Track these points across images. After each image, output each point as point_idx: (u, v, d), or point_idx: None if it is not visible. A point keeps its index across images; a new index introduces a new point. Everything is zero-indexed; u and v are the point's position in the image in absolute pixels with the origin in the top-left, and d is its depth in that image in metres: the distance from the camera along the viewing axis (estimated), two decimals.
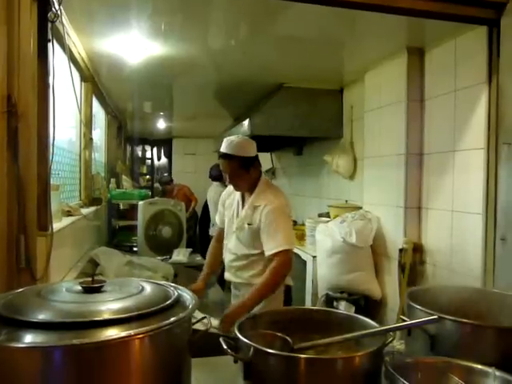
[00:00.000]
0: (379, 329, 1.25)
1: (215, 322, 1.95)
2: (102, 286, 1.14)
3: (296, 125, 3.89)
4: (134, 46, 2.92)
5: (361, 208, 3.40)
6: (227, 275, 2.41)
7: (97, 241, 3.52)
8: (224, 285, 3.58)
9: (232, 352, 1.13)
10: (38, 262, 1.59)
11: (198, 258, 3.76)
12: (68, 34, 2.41)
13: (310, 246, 3.66)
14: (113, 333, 0.92)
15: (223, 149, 2.19)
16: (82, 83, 3.41)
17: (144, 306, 1.04)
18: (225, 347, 1.16)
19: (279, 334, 1.28)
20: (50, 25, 1.84)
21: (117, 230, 4.33)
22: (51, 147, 1.79)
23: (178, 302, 1.15)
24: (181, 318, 1.04)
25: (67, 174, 2.91)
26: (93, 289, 1.12)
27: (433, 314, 1.39)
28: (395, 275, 2.93)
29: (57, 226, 1.96)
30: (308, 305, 3.35)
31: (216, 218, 2.60)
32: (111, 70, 3.50)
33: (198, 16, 2.51)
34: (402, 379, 1.01)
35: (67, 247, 2.31)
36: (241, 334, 1.18)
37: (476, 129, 2.39)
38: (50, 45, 1.83)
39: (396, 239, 2.96)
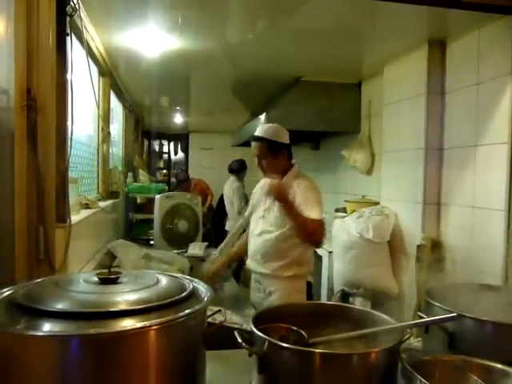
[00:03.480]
0: (396, 325, 1.23)
1: (231, 315, 1.96)
2: (118, 278, 1.14)
3: (313, 119, 3.85)
4: (152, 39, 2.93)
5: (378, 203, 3.36)
6: (251, 264, 2.41)
7: (114, 234, 3.55)
8: (239, 278, 3.60)
9: (246, 345, 1.12)
10: (56, 253, 1.61)
11: (214, 251, 3.77)
12: (86, 29, 2.43)
13: (326, 241, 3.63)
14: (128, 323, 0.92)
15: (256, 132, 2.36)
16: (100, 77, 3.43)
17: (159, 297, 1.04)
18: (239, 340, 1.15)
19: (294, 328, 1.27)
20: (68, 19, 1.86)
21: (134, 224, 4.37)
22: (69, 141, 1.81)
23: (194, 294, 1.15)
24: (196, 310, 1.04)
25: (85, 167, 2.94)
26: (109, 280, 1.13)
27: (451, 312, 1.37)
28: (413, 272, 2.89)
29: (75, 218, 1.98)
30: (324, 300, 3.33)
31: (246, 213, 2.67)
32: (129, 64, 3.52)
33: (215, 9, 2.50)
34: (420, 377, 1.00)
35: (85, 239, 2.34)
36: (255, 327, 1.18)
37: (500, 123, 2.33)
38: (68, 39, 1.85)
39: (414, 235, 2.92)
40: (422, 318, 1.47)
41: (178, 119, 6.93)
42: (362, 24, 2.67)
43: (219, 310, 1.26)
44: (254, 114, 5.35)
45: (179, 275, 1.36)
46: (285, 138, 2.34)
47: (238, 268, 4.44)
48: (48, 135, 1.61)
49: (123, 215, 4.25)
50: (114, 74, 3.69)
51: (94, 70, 3.14)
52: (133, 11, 2.51)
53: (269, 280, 2.32)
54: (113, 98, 3.97)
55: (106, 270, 1.18)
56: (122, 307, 0.97)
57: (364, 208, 3.30)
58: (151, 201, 4.22)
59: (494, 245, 2.37)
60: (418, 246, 2.81)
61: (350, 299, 3.09)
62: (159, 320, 0.94)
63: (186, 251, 3.53)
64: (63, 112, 1.81)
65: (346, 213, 3.62)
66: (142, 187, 4.43)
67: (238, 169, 5.96)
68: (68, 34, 1.84)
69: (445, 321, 1.25)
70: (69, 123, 1.83)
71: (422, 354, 1.31)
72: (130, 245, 2.96)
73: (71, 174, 2.25)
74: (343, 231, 3.14)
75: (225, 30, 2.81)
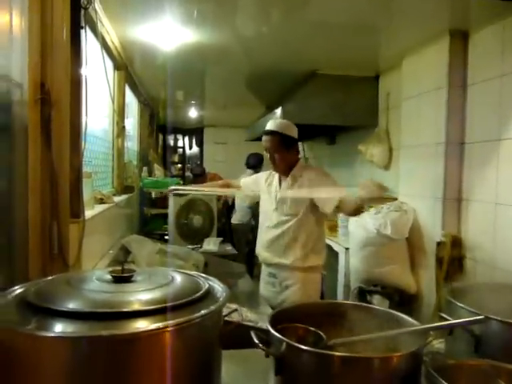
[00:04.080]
0: (420, 327, 1.18)
1: (246, 313, 1.94)
2: (131, 276, 1.12)
3: (329, 113, 3.79)
4: (167, 33, 2.90)
5: (396, 199, 3.29)
6: (267, 256, 2.43)
7: (128, 228, 3.55)
8: (253, 271, 3.56)
9: (263, 346, 1.09)
10: (70, 249, 1.60)
11: (229, 247, 3.75)
12: (101, 22, 2.41)
13: (342, 237, 3.58)
14: (142, 324, 0.89)
15: (267, 126, 2.43)
16: (115, 71, 3.42)
17: (174, 297, 1.01)
18: (256, 341, 1.12)
19: (312, 329, 1.24)
20: (82, 11, 1.83)
21: (148, 218, 4.37)
22: (83, 135, 1.79)
23: (209, 293, 1.12)
24: (212, 311, 1.01)
25: (100, 161, 2.93)
26: (122, 278, 1.10)
27: (477, 313, 1.32)
28: (432, 269, 2.82)
29: (89, 213, 1.97)
30: (340, 297, 3.28)
31: (247, 179, 2.84)
32: (144, 58, 3.49)
33: (230, 2, 2.46)
34: (445, 382, 0.95)
35: (99, 234, 2.33)
36: (273, 327, 1.15)
37: None
38: (82, 32, 1.82)
39: (433, 232, 2.84)
40: (445, 319, 1.42)
41: (193, 113, 6.92)
42: (379, 15, 2.59)
43: (235, 310, 1.22)
44: (269, 108, 5.30)
45: (194, 273, 1.33)
46: (295, 133, 2.44)
47: (251, 263, 4.43)
48: (62, 130, 1.58)
49: (138, 210, 4.25)
50: (129, 67, 3.67)
51: (109, 63, 3.12)
52: (148, 4, 2.48)
53: (286, 272, 2.33)
54: (128, 92, 3.95)
55: (119, 268, 1.15)
56: (136, 307, 0.94)
57: (381, 204, 3.23)
58: (166, 196, 4.21)
59: None
60: (438, 243, 2.73)
61: (368, 297, 3.04)
62: (174, 321, 0.91)
63: (201, 246, 3.51)
64: (77, 106, 1.78)
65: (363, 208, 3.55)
66: (156, 182, 4.42)
67: (257, 164, 5.95)
68: (83, 27, 1.82)
69: (471, 323, 1.20)
70: (83, 117, 1.81)
71: (446, 358, 1.26)
72: (144, 240, 2.95)
73: (86, 169, 2.24)
74: (360, 227, 3.08)
75: (240, 22, 2.76)
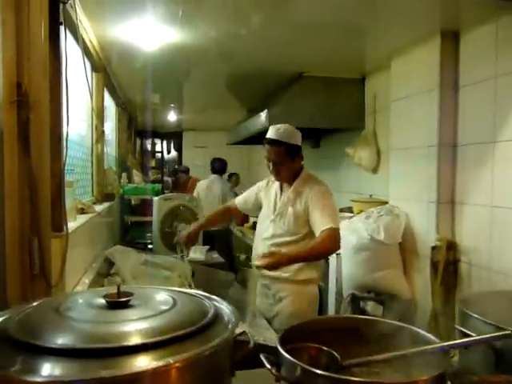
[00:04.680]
0: (441, 344, 1.10)
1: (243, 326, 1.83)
2: (128, 301, 0.99)
3: (316, 116, 3.72)
4: (147, 32, 2.76)
5: (387, 203, 3.23)
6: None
7: (110, 238, 3.38)
8: (245, 283, 3.43)
9: (276, 371, 0.99)
10: (52, 266, 1.45)
11: (215, 255, 3.62)
12: (80, 20, 2.26)
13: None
14: (146, 361, 0.77)
15: (270, 135, 2.20)
16: (93, 73, 3.25)
17: (179, 325, 0.89)
18: (268, 366, 1.03)
19: (326, 349, 1.14)
20: (61, 6, 1.69)
21: (129, 227, 4.19)
22: (65, 140, 1.64)
23: (217, 317, 1.00)
24: (223, 340, 0.89)
25: (79, 169, 2.76)
26: (119, 304, 0.97)
27: (496, 326, 1.24)
28: (426, 274, 2.76)
29: (71, 225, 1.82)
30: (332, 304, 3.19)
31: (240, 196, 2.65)
32: (123, 59, 3.34)
33: (214, 1, 2.35)
34: None
35: (82, 247, 2.17)
36: (282, 347, 1.05)
37: None
38: (61, 28, 1.68)
39: (427, 236, 2.79)
40: (463, 333, 1.34)
41: (172, 117, 6.76)
42: (367, 16, 2.53)
43: (243, 332, 1.11)
44: (251, 112, 5.20)
45: (195, 292, 1.21)
46: (299, 140, 2.23)
47: (233, 270, 4.29)
48: (41, 134, 1.43)
49: (119, 218, 4.07)
50: (107, 69, 3.51)
51: (88, 65, 2.96)
52: (127, 2, 2.35)
53: (280, 284, 2.21)
54: (106, 95, 3.78)
55: (114, 291, 1.02)
56: (138, 341, 0.81)
57: (372, 208, 3.16)
58: (146, 202, 4.05)
59: None
60: (433, 248, 2.68)
61: (361, 303, 2.96)
62: (183, 356, 0.79)
63: (187, 255, 3.37)
64: (58, 108, 1.64)
65: (351, 213, 3.49)
66: (137, 188, 4.25)
67: (222, 169, 5.95)
68: (62, 23, 1.67)
69: (497, 339, 1.11)
70: (64, 121, 1.66)
71: (470, 375, 1.17)
72: (128, 251, 2.79)
73: (66, 177, 2.08)
74: (352, 232, 3.00)
75: (223, 22, 2.66)
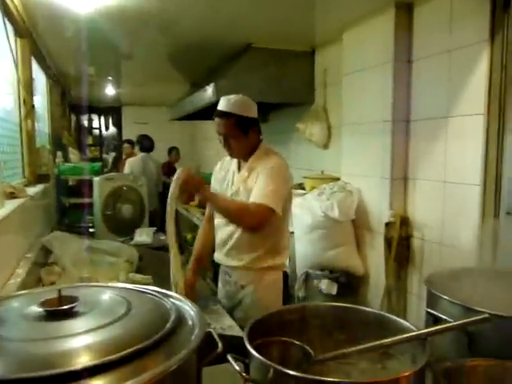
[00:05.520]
0: (418, 332, 1.04)
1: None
2: (72, 307, 0.82)
3: (266, 90, 3.57)
4: None
5: (339, 179, 3.19)
6: (218, 256, 2.14)
7: (47, 223, 3.08)
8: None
9: (245, 374, 0.91)
10: None
11: (163, 237, 3.44)
12: None
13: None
14: None
15: (220, 106, 1.99)
16: (17, 39, 2.88)
17: (137, 336, 0.75)
18: (237, 369, 0.93)
19: (297, 343, 1.06)
20: None
21: (67, 209, 3.88)
22: None
23: (180, 321, 0.87)
24: (190, 351, 0.76)
25: (6, 148, 2.45)
26: (60, 313, 0.80)
27: (468, 308, 1.21)
28: (379, 250, 2.77)
29: None
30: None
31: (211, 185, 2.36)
32: (52, 24, 2.98)
33: None
34: None
35: (13, 236, 1.92)
36: (250, 343, 0.95)
37: (474, 92, 2.20)
38: None
39: (380, 212, 2.78)
40: (434, 316, 1.30)
41: (110, 91, 6.34)
42: None
43: (209, 331, 0.98)
44: (195, 86, 4.95)
45: (149, 288, 1.06)
46: (253, 112, 2.03)
47: (188, 251, 4.15)
48: None
49: (55, 201, 3.74)
50: (34, 35, 3.13)
51: (9, 29, 2.60)
52: None
53: (240, 273, 2.06)
54: (34, 65, 3.40)
55: (54, 296, 0.85)
56: (89, 362, 0.65)
57: (324, 184, 3.12)
58: (84, 182, 3.74)
59: (466, 220, 2.28)
60: (386, 224, 2.67)
61: (315, 282, 2.93)
62: (145, 377, 0.65)
63: (132, 239, 3.17)
64: None
65: (303, 189, 3.43)
66: (74, 168, 3.91)
67: (152, 147, 5.79)
68: None
69: (476, 323, 1.07)
70: None
71: (440, 361, 1.13)
72: (67, 237, 2.55)
73: None
74: (306, 210, 2.94)
75: None
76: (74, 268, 2.35)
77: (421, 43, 2.57)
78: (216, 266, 2.29)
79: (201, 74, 4.82)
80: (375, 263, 2.84)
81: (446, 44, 2.36)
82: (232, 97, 2.00)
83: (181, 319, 0.87)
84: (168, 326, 0.81)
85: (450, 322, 1.11)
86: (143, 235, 3.19)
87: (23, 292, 1.06)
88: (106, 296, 0.94)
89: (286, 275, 2.08)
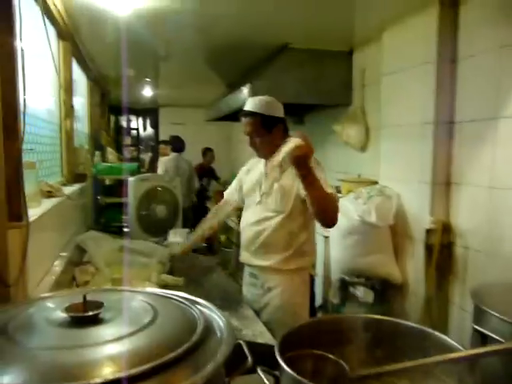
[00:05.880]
0: (467, 353, 0.95)
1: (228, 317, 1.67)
2: (98, 314, 0.80)
3: (302, 91, 3.51)
4: None
5: (376, 183, 3.08)
6: (244, 256, 2.14)
7: (82, 222, 3.14)
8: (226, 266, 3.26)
9: None
10: (9, 263, 1.23)
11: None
12: None
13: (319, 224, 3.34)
14: None
15: (246, 107, 2.04)
16: (59, 41, 2.94)
17: (164, 347, 0.71)
18: (266, 383, 0.88)
19: (331, 357, 0.99)
20: None
21: (103, 208, 3.94)
22: (22, 116, 1.40)
23: (208, 331, 0.82)
24: (218, 365, 0.71)
25: (46, 147, 2.50)
26: (85, 319, 0.78)
27: None
28: (419, 258, 2.65)
29: (35, 212, 1.59)
30: (319, 289, 3.06)
31: (228, 190, 2.42)
32: (93, 27, 3.04)
33: None
34: None
35: (49, 234, 1.95)
36: (282, 356, 0.90)
37: None
38: None
39: (420, 218, 2.65)
40: (477, 331, 1.21)
41: (147, 92, 6.44)
42: None
43: (239, 345, 0.93)
44: (231, 87, 4.94)
45: (177, 294, 1.02)
46: (279, 112, 2.04)
47: (221, 253, 4.13)
48: None
49: (91, 200, 3.81)
50: (75, 38, 3.20)
51: (52, 31, 2.66)
52: None
53: (268, 274, 2.05)
54: (75, 67, 3.48)
55: (79, 301, 0.83)
56: (112, 374, 0.62)
57: (361, 188, 3.01)
58: (121, 182, 3.79)
59: None
60: (427, 231, 2.55)
61: (351, 289, 2.83)
62: None
63: (166, 239, 3.17)
64: (12, 81, 1.39)
65: (339, 193, 3.33)
66: (111, 168, 3.97)
67: (182, 147, 5.85)
68: None
69: None
70: (21, 95, 1.42)
71: None
72: (101, 237, 2.58)
73: (28, 157, 1.84)
74: (342, 214, 2.83)
75: None
76: (106, 268, 2.37)
77: (467, 41, 2.43)
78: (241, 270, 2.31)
79: (237, 75, 4.81)
80: (414, 271, 2.71)
81: (495, 40, 2.22)
82: (258, 97, 2.05)
83: (208, 329, 0.83)
84: (195, 337, 0.77)
85: (501, 343, 1.02)
86: (177, 236, 3.17)
87: (51, 294, 1.05)
88: (132, 302, 0.91)
89: (311, 278, 2.05)
